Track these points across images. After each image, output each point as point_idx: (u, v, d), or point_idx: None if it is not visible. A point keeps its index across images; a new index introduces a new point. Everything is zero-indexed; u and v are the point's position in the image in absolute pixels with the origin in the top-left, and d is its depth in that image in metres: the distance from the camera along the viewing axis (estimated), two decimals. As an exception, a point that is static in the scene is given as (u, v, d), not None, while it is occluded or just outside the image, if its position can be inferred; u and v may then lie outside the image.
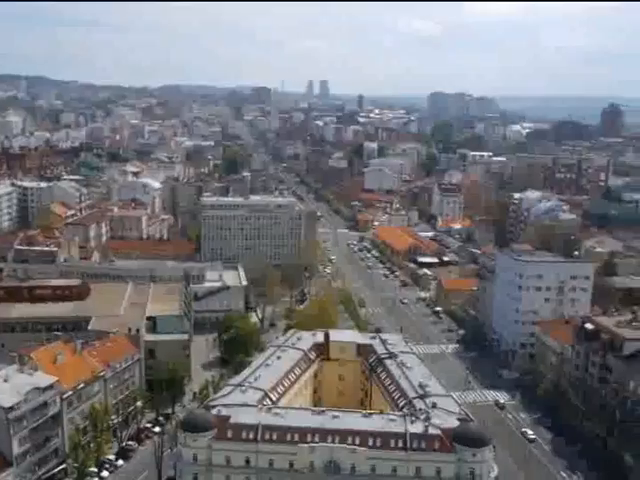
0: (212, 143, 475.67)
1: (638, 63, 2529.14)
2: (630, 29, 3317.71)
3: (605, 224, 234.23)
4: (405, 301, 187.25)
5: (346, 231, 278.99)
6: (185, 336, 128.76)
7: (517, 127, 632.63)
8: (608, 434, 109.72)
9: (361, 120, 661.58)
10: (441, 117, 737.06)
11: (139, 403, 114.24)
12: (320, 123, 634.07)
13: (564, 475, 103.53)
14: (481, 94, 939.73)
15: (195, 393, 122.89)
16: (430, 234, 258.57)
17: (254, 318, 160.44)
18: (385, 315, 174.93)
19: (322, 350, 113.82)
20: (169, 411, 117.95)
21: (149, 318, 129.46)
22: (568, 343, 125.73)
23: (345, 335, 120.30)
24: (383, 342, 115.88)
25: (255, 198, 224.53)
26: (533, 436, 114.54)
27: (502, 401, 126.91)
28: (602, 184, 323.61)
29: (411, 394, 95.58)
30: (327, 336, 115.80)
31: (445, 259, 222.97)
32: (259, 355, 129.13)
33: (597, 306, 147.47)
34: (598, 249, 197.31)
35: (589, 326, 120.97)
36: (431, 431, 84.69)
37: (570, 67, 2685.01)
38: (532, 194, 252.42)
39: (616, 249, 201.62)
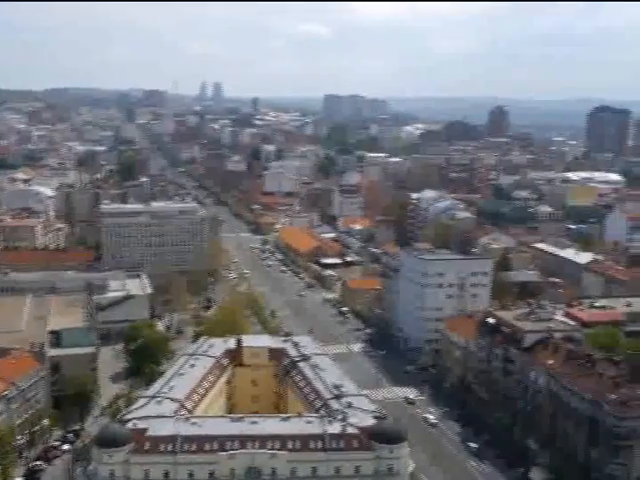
0: (105, 148, 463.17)
1: (519, 65, 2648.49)
2: (513, 32, 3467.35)
3: (498, 221, 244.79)
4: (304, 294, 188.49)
5: (249, 235, 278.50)
6: (91, 349, 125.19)
7: (410, 128, 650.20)
8: (513, 423, 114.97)
9: (257, 123, 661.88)
10: (336, 119, 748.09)
11: (45, 421, 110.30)
12: (216, 126, 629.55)
13: (473, 464, 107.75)
14: (374, 96, 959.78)
15: (104, 407, 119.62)
16: (332, 235, 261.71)
17: (161, 326, 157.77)
18: (293, 317, 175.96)
19: (235, 356, 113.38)
20: (78, 427, 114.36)
21: (52, 332, 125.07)
22: (472, 338, 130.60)
23: (257, 340, 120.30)
24: (295, 345, 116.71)
25: (156, 204, 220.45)
26: (435, 420, 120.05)
27: (411, 397, 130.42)
28: (493, 183, 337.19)
29: (326, 395, 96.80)
30: (239, 342, 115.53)
31: (348, 259, 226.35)
32: (169, 364, 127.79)
33: (496, 300, 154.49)
34: (493, 245, 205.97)
35: (491, 320, 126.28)
36: (349, 430, 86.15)
37: (457, 68, 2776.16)
38: (429, 194, 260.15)
39: (509, 245, 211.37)
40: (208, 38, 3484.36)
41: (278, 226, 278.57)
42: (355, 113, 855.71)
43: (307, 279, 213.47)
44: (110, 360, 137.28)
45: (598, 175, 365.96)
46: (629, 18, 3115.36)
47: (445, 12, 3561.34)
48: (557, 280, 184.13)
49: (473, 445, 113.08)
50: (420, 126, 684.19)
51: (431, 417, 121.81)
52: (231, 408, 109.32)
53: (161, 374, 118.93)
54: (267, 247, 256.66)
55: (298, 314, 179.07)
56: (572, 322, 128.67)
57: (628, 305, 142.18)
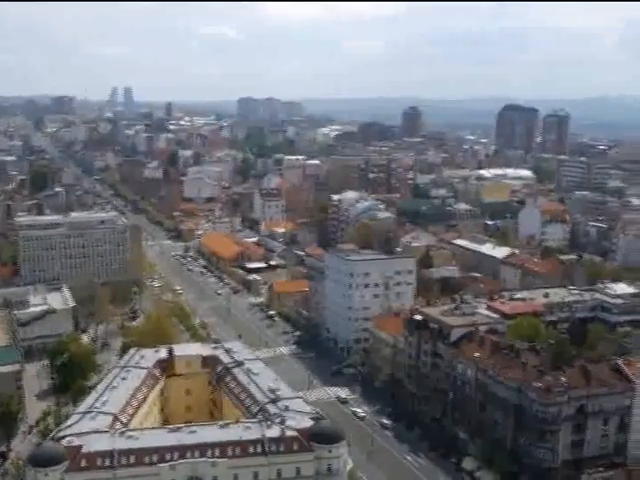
0: (14, 158, 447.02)
1: (433, 65, 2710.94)
2: (426, 32, 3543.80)
3: (417, 220, 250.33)
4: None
5: (170, 242, 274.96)
6: (15, 366, 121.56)
7: (326, 130, 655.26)
8: (443, 415, 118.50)
9: (172, 128, 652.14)
10: (252, 122, 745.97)
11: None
12: (130, 132, 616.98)
13: (409, 458, 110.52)
14: (289, 98, 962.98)
15: (32, 426, 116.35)
16: (255, 239, 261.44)
17: (86, 340, 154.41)
18: (221, 324, 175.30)
19: (167, 366, 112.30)
20: (4, 449, 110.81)
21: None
22: (400, 335, 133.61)
23: (189, 348, 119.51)
24: (227, 351, 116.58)
25: (76, 215, 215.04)
26: (363, 414, 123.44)
27: (344, 396, 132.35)
28: (410, 182, 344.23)
29: (263, 400, 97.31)
30: (171, 351, 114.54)
31: (272, 263, 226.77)
32: (97, 378, 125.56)
33: (421, 297, 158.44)
34: (414, 244, 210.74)
35: (417, 317, 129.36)
36: (287, 433, 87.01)
37: (371, 69, 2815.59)
38: (349, 195, 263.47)
39: (430, 242, 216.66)
40: (115, 41, 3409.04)
41: (200, 232, 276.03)
42: (271, 116, 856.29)
43: (232, 284, 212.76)
44: (35, 377, 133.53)
45: (510, 172, 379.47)
46: (534, 18, 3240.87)
47: (359, 13, 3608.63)
48: (477, 275, 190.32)
49: (386, 422, 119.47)
50: (336, 127, 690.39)
51: (359, 411, 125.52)
52: (165, 419, 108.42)
53: (90, 389, 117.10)
54: (190, 254, 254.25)
55: (226, 320, 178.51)
56: (495, 315, 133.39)
57: (546, 296, 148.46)
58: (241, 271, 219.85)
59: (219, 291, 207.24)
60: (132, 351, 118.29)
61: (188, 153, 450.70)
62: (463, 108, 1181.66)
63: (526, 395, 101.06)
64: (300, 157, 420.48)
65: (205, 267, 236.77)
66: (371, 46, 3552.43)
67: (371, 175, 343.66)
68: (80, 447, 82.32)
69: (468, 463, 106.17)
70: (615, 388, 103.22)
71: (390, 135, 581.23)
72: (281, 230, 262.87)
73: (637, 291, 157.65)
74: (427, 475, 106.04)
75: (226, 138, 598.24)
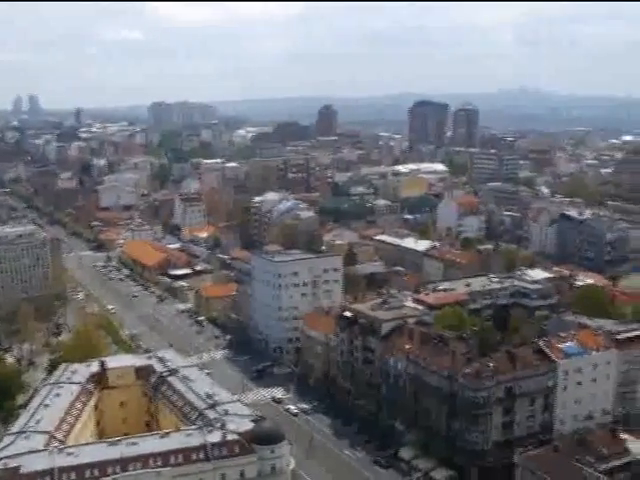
0: None
1: (347, 64, 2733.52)
2: (336, 31, 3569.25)
3: (339, 218, 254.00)
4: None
5: (90, 253, 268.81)
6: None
7: (242, 132, 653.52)
8: (378, 408, 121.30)
9: (83, 135, 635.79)
10: (165, 127, 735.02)
11: None
12: (39, 142, 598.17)
13: (348, 453, 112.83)
14: (202, 101, 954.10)
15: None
16: (177, 245, 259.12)
17: (11, 359, 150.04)
18: (149, 333, 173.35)
19: (100, 380, 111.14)
20: None
21: None
22: (331, 332, 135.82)
23: (122, 360, 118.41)
24: (161, 360, 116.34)
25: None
26: (296, 411, 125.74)
27: (279, 396, 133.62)
28: (329, 181, 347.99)
29: (201, 406, 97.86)
30: (103, 364, 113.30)
31: (197, 268, 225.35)
32: (25, 397, 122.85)
33: (348, 294, 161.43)
34: (338, 241, 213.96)
35: (347, 314, 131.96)
36: (229, 437, 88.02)
37: (284, 69, 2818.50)
38: (271, 196, 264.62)
39: (353, 239, 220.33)
40: (16, 48, 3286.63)
41: (121, 241, 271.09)
42: (185, 120, 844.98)
43: (158, 292, 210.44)
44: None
45: (424, 166, 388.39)
46: (450, 18, 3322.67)
47: (269, 12, 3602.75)
48: (401, 269, 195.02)
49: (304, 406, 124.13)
50: (251, 129, 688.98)
51: (293, 408, 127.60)
52: (102, 433, 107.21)
53: (19, 409, 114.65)
54: (112, 264, 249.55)
55: (154, 329, 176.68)
56: (421, 307, 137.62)
57: (468, 285, 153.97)
58: (166, 278, 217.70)
59: (135, 294, 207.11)
60: (62, 367, 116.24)
61: (102, 161, 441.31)
62: (376, 105, 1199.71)
63: (457, 382, 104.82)
64: (218, 160, 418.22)
65: (129, 276, 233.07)
66: (282, 46, 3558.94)
67: (290, 175, 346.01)
68: (17, 468, 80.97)
69: (405, 452, 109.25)
70: (539, 369, 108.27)
71: (306, 134, 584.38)
72: (204, 235, 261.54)
73: (551, 276, 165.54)
74: (366, 467, 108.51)
75: (140, 144, 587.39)
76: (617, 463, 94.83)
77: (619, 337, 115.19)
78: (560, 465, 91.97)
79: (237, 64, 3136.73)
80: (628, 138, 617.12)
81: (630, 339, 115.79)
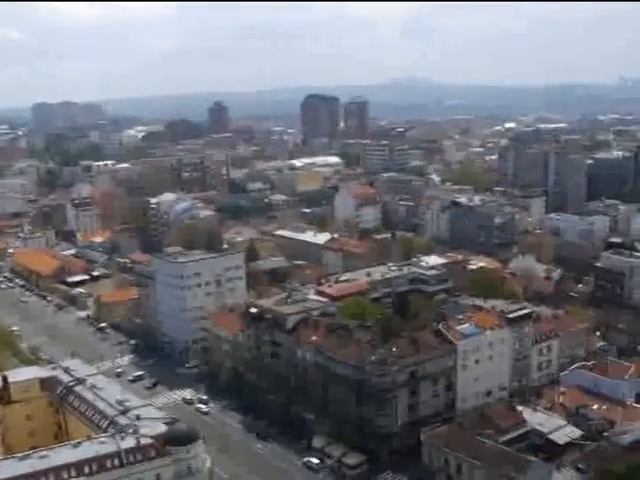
0: None
1: (233, 59, 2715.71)
2: (225, 26, 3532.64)
3: (238, 215, 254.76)
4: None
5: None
6: None
7: (132, 131, 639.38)
8: (288, 401, 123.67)
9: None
10: (50, 129, 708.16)
11: None
12: None
13: (259, 446, 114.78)
14: (88, 100, 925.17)
15: None
16: (72, 252, 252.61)
17: None
18: (50, 343, 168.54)
19: (2, 394, 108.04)
20: None
21: None
22: (237, 329, 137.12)
23: (25, 373, 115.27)
24: (66, 370, 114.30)
25: None
26: (207, 410, 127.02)
27: (189, 397, 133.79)
28: (225, 178, 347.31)
29: (112, 413, 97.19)
30: (5, 378, 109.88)
31: (96, 274, 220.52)
32: None
33: (252, 290, 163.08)
34: (238, 239, 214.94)
35: (253, 310, 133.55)
36: (143, 442, 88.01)
37: (170, 66, 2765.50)
38: (167, 196, 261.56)
39: (253, 236, 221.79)
40: None
41: (10, 250, 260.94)
42: (70, 121, 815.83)
43: (56, 301, 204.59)
44: None
45: (319, 159, 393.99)
46: (336, 13, 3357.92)
47: (152, 10, 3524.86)
48: (302, 262, 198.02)
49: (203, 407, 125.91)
50: (141, 128, 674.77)
51: (203, 407, 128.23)
52: (7, 449, 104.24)
53: None
54: (4, 274, 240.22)
55: (55, 339, 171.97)
56: (324, 299, 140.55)
57: (368, 275, 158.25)
58: (63, 286, 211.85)
59: (32, 304, 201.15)
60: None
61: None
62: (266, 100, 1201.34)
63: (363, 370, 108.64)
64: (109, 162, 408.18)
65: (23, 287, 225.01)
66: (167, 43, 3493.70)
67: (185, 174, 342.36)
68: None
69: (317, 441, 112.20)
70: (439, 351, 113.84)
71: (199, 132, 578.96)
72: (100, 239, 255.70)
73: (446, 261, 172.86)
74: (280, 459, 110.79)
75: (24, 148, 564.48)
76: (515, 434, 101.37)
77: (510, 316, 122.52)
78: (463, 440, 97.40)
79: (123, 63, 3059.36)
80: (511, 125, 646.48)
81: (520, 317, 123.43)
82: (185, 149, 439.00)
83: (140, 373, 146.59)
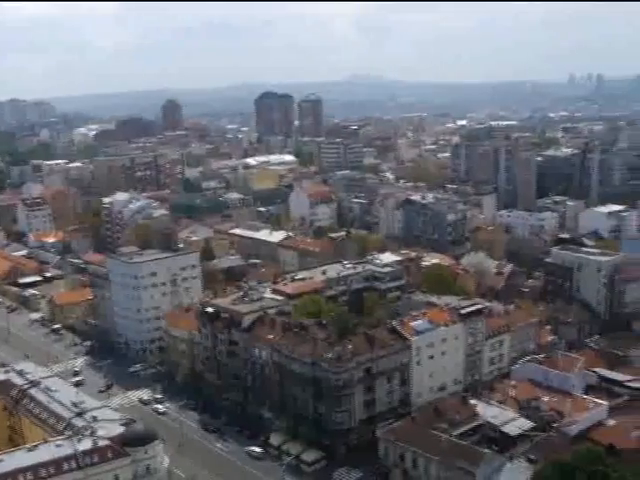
0: None
1: (186, 55, 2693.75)
2: (172, 23, 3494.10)
3: (193, 214, 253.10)
4: None
5: None
6: None
7: (84, 130, 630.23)
8: (245, 399, 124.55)
9: None
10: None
11: None
12: None
13: (219, 445, 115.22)
14: (37, 98, 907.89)
15: None
16: (24, 253, 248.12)
17: None
18: (2, 346, 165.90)
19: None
20: None
21: None
22: (194, 329, 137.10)
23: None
24: (20, 373, 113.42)
25: None
26: (164, 410, 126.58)
27: (146, 397, 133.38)
28: (180, 177, 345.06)
29: (68, 415, 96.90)
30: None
31: (48, 275, 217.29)
32: None
33: (208, 289, 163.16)
34: (194, 238, 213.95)
35: (209, 309, 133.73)
36: (100, 443, 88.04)
37: (120, 63, 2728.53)
38: (120, 196, 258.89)
39: (208, 235, 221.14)
40: None
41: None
42: (19, 119, 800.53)
43: (8, 303, 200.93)
44: None
45: (273, 158, 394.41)
46: (291, 10, 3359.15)
47: (105, 5, 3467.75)
48: (257, 261, 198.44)
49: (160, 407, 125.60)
50: (93, 126, 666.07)
51: (160, 407, 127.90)
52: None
53: None
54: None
55: (7, 342, 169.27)
56: (280, 297, 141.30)
57: (323, 273, 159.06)
58: (15, 288, 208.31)
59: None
60: None
61: None
62: (220, 97, 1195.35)
63: (319, 367, 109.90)
64: (60, 161, 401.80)
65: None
66: (120, 40, 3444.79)
67: (139, 173, 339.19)
68: None
69: (275, 439, 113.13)
70: (394, 348, 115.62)
71: (152, 130, 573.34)
72: (52, 240, 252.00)
73: (400, 258, 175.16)
74: (237, 457, 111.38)
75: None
76: (469, 427, 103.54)
77: (463, 312, 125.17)
78: (418, 435, 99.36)
79: (74, 58, 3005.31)
80: (463, 122, 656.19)
81: (473, 313, 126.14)
82: (138, 148, 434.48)
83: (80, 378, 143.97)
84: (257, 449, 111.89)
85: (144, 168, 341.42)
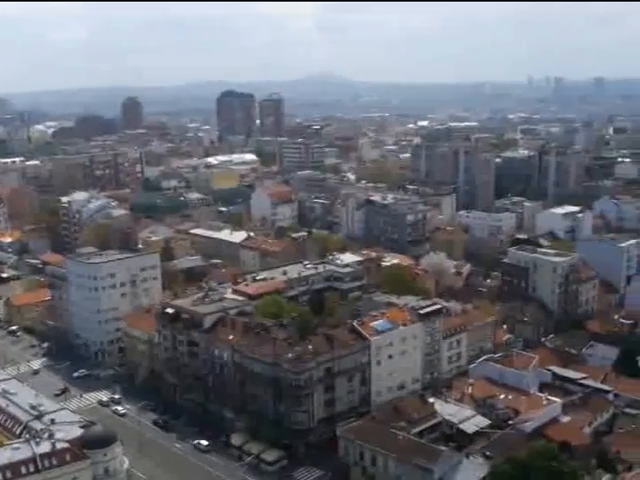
0: None
1: (145, 53, 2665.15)
2: (130, 19, 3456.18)
3: (153, 213, 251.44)
4: None
5: None
6: None
7: (41, 127, 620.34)
8: (206, 399, 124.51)
9: None
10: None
11: None
12: None
13: (178, 446, 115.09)
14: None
15: None
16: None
17: None
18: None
19: None
20: None
21: None
22: (153, 330, 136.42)
23: None
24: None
25: None
26: (123, 411, 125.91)
27: (105, 399, 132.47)
28: (140, 176, 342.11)
29: (25, 418, 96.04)
30: None
31: (4, 276, 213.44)
32: None
33: (168, 290, 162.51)
34: (154, 238, 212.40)
35: (169, 310, 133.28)
36: (59, 446, 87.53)
37: (79, 58, 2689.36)
38: (79, 195, 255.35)
39: (168, 235, 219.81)
40: None
41: None
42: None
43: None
44: None
45: (235, 157, 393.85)
46: (250, 8, 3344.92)
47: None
48: (218, 261, 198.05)
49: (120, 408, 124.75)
50: (51, 123, 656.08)
51: (120, 409, 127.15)
52: None
53: None
54: None
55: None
56: (241, 297, 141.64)
57: (284, 273, 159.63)
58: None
59: None
60: None
61: None
62: (180, 95, 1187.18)
63: (280, 367, 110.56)
64: (17, 159, 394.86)
65: None
66: (74, 36, 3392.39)
67: (98, 172, 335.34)
68: None
69: (236, 439, 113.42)
70: (354, 348, 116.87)
71: (111, 128, 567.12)
72: (8, 240, 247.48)
73: (361, 259, 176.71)
74: (198, 458, 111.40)
75: None
76: (427, 425, 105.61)
77: (422, 312, 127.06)
78: (377, 433, 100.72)
79: (29, 53, 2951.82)
80: (424, 123, 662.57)
81: (431, 313, 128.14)
82: (97, 146, 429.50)
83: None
84: (204, 442, 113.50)
85: (103, 167, 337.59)
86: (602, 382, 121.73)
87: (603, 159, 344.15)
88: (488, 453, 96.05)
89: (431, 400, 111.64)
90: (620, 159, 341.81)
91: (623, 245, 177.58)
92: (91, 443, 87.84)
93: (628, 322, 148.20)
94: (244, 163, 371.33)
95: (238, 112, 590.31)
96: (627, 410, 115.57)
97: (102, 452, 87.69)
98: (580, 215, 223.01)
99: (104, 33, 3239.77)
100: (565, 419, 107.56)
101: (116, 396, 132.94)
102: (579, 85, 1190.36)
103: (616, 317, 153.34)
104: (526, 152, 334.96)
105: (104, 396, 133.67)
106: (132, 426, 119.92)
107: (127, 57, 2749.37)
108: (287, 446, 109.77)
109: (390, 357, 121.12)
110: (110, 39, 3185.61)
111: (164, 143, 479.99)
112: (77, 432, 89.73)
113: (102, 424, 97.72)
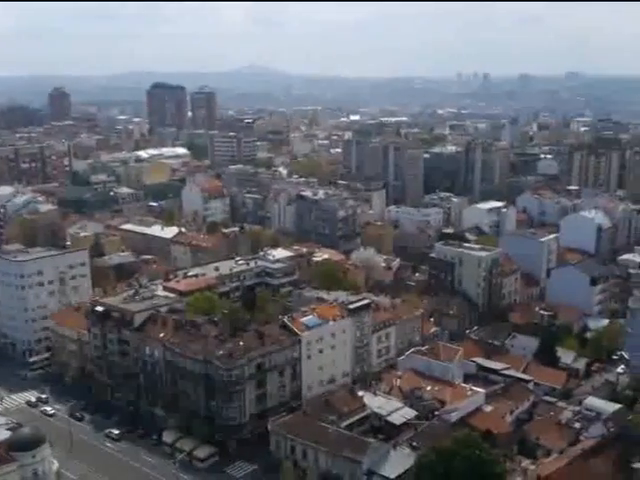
0: None
1: (71, 41, 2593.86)
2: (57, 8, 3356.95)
3: (81, 209, 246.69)
4: None
5: None
6: None
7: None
8: (138, 398, 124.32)
9: None
10: None
11: None
12: None
13: (110, 445, 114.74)
14: None
15: None
16: None
17: None
18: None
19: None
20: None
21: None
22: (83, 328, 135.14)
23: None
24: None
25: None
26: (52, 412, 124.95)
27: (33, 399, 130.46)
28: (68, 169, 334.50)
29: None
30: None
31: None
32: None
33: (98, 287, 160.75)
34: (83, 234, 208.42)
35: (99, 308, 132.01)
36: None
37: (4, 46, 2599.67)
38: (4, 189, 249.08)
39: (98, 230, 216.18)
40: None
41: None
42: None
43: None
44: None
45: (166, 151, 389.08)
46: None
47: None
48: (149, 257, 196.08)
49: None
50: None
51: (49, 409, 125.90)
52: None
53: None
54: None
55: None
56: (172, 294, 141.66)
57: (216, 269, 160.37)
58: None
59: None
60: None
61: None
62: (107, 85, 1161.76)
63: (211, 364, 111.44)
64: None
65: None
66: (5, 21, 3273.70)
67: (23, 165, 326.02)
68: None
69: (168, 436, 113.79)
70: (285, 343, 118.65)
71: (37, 119, 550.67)
72: None
73: (292, 254, 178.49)
74: (130, 456, 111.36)
75: None
76: (356, 418, 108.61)
77: (351, 307, 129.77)
78: (308, 427, 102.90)
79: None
80: (355, 117, 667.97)
81: (360, 307, 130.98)
82: (23, 138, 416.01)
83: None
84: (115, 431, 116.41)
85: (29, 160, 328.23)
86: (523, 372, 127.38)
87: (527, 155, 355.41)
88: (415, 443, 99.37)
89: (360, 393, 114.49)
90: (542, 155, 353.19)
91: (543, 240, 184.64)
92: (18, 445, 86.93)
93: (548, 313, 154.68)
94: (175, 157, 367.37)
95: (169, 104, 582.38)
96: (546, 398, 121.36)
97: (30, 454, 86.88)
98: (504, 210, 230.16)
99: (30, 21, 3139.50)
100: (488, 408, 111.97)
101: (44, 396, 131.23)
102: (505, 81, 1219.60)
103: (537, 309, 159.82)
104: (454, 148, 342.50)
105: (32, 396, 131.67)
106: (62, 426, 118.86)
107: (53, 46, 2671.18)
108: (219, 442, 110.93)
109: (320, 352, 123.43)
110: (36, 27, 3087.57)
111: (93, 135, 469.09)
112: (4, 434, 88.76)
113: (30, 425, 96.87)
